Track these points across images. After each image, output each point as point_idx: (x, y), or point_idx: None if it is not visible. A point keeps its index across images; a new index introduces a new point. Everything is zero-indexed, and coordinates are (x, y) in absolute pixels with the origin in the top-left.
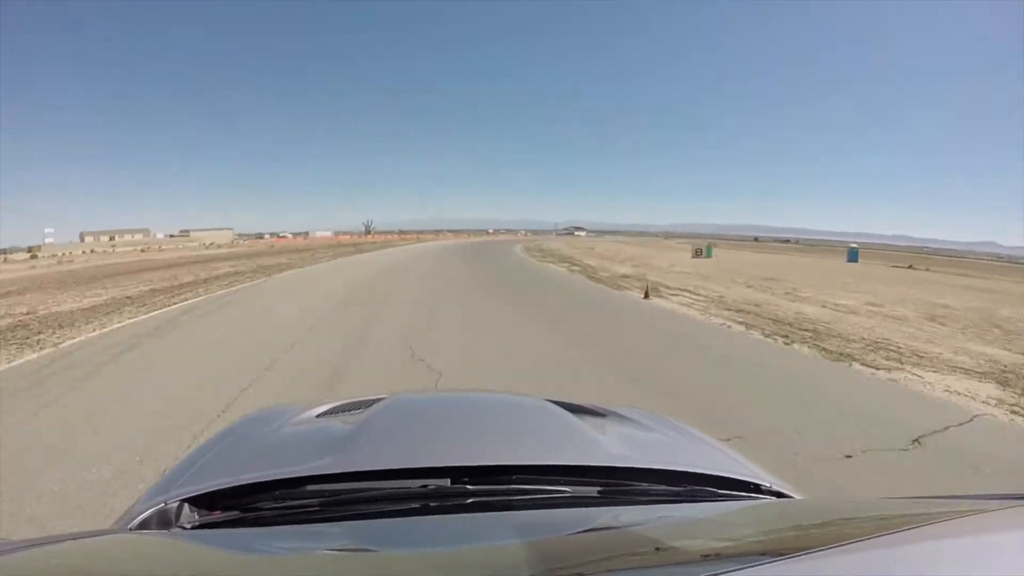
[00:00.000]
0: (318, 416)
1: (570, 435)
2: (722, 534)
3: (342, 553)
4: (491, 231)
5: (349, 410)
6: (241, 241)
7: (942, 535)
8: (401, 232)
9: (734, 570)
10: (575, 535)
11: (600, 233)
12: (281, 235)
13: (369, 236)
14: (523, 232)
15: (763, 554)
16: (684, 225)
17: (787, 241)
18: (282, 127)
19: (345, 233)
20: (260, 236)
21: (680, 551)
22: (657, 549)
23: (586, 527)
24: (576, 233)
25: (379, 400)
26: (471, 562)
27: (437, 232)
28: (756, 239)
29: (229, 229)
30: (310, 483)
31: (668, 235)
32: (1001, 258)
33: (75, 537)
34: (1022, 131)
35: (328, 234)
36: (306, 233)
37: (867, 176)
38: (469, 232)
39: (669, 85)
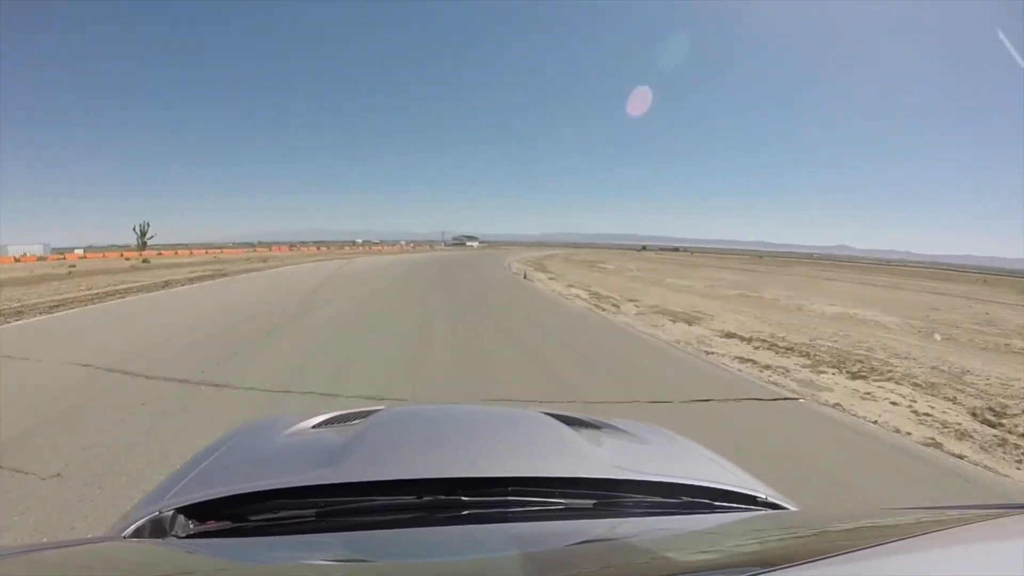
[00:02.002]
0: (314, 427)
1: (565, 447)
2: (718, 546)
3: (337, 564)
4: (360, 243)
5: (345, 421)
6: None
7: (938, 545)
8: (260, 245)
9: None
10: (570, 547)
11: (493, 243)
12: None
13: (143, 253)
14: (405, 243)
15: (759, 566)
16: (561, 234)
17: (677, 249)
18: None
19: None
20: None
21: (676, 563)
22: (652, 561)
23: (581, 539)
24: (468, 244)
25: (375, 411)
26: (466, 574)
27: (293, 245)
28: (644, 247)
29: None
30: (305, 494)
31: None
32: (846, 258)
33: (69, 544)
34: (867, 143)
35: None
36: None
37: (728, 189)
38: (330, 245)
39: (556, 94)
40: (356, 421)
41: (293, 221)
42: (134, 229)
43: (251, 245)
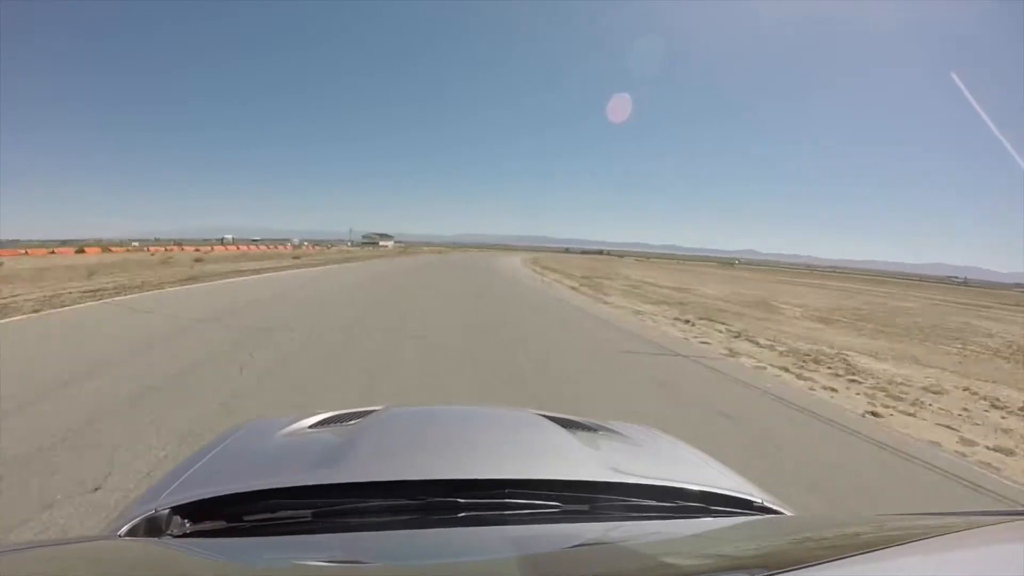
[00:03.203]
0: (310, 427)
1: (562, 450)
2: (713, 550)
3: (333, 565)
4: (229, 240)
5: (342, 421)
6: None
7: (933, 551)
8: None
9: None
10: (566, 550)
11: (411, 244)
12: None
13: None
14: (298, 242)
15: (754, 570)
16: (472, 235)
17: (601, 252)
18: None
19: None
20: None
21: (671, 567)
22: (648, 565)
23: (577, 542)
24: (381, 244)
25: (372, 412)
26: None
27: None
28: (567, 250)
29: None
30: (302, 494)
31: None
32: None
33: (64, 543)
34: (775, 154)
35: None
36: None
37: (641, 194)
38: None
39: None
40: (353, 422)
41: (184, 218)
42: None
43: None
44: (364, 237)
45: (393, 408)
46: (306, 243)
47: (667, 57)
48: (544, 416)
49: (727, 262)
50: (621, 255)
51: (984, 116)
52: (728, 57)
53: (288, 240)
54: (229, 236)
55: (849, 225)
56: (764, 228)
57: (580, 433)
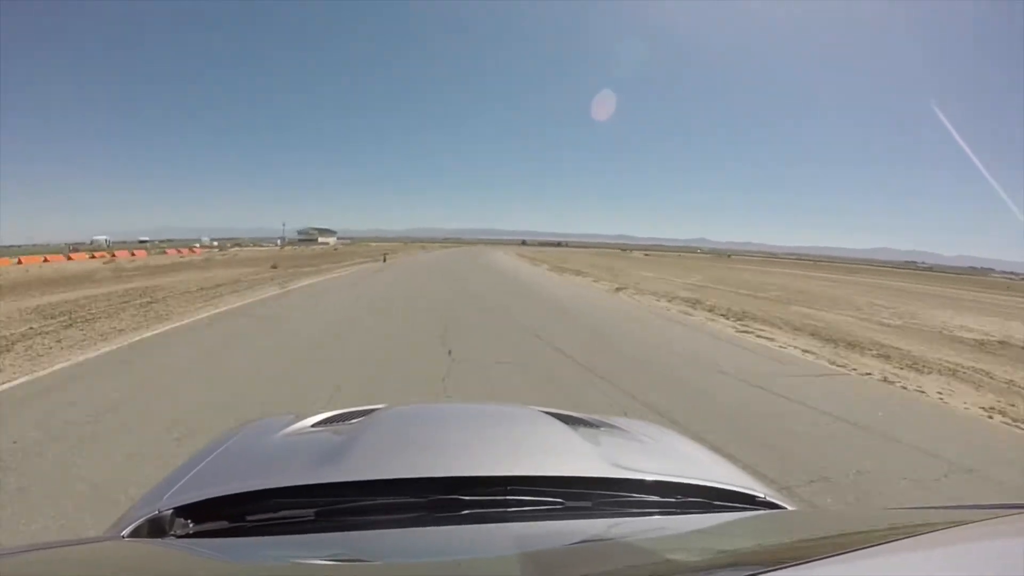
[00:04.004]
0: (313, 426)
1: (564, 446)
2: (716, 545)
3: (336, 564)
4: (103, 243)
5: (344, 420)
6: None
7: (936, 545)
8: None
9: None
10: (569, 546)
11: (358, 239)
12: None
13: None
14: (206, 242)
15: (758, 566)
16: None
17: (559, 244)
18: None
19: None
20: None
21: (674, 563)
22: (651, 561)
23: (580, 538)
24: (321, 241)
25: (374, 410)
26: (466, 573)
27: None
28: (524, 242)
29: None
30: (304, 493)
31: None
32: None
33: (68, 544)
34: (727, 143)
35: None
36: None
37: (591, 186)
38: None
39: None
40: (355, 420)
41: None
42: None
43: None
44: (300, 233)
45: (394, 407)
46: (215, 243)
47: (608, 45)
48: (546, 412)
49: (691, 251)
50: (563, 245)
51: (946, 124)
52: (676, 46)
53: (198, 240)
54: (103, 238)
55: (800, 213)
56: (717, 217)
57: (582, 429)
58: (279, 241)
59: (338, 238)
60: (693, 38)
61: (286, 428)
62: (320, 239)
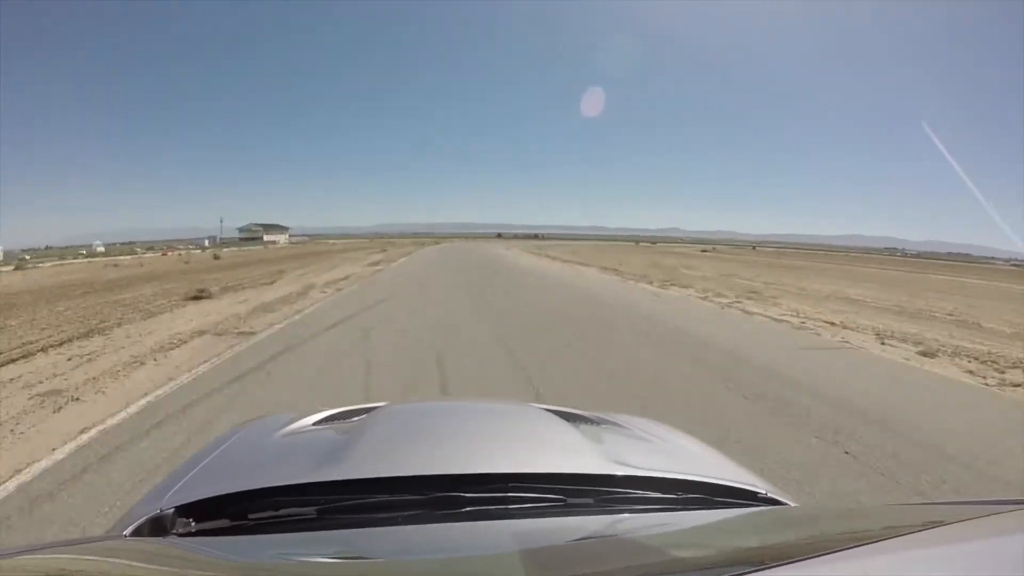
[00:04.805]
0: (314, 424)
1: (565, 443)
2: (718, 542)
3: (339, 561)
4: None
5: (345, 418)
6: None
7: (939, 541)
8: None
9: None
10: (571, 543)
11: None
12: None
13: None
14: (98, 246)
15: (759, 562)
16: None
17: (536, 236)
18: None
19: None
20: None
21: (676, 559)
22: (653, 558)
23: (582, 535)
24: (268, 239)
25: (375, 408)
26: (467, 571)
27: None
28: (499, 235)
29: None
30: (306, 492)
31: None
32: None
33: (70, 543)
34: (698, 131)
35: None
36: None
37: (563, 177)
38: None
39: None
40: (356, 418)
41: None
42: None
43: None
44: (241, 231)
45: (396, 404)
46: (100, 247)
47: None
48: (547, 409)
49: (651, 242)
50: (539, 237)
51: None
52: (648, 36)
53: (92, 244)
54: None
55: (772, 201)
56: (688, 207)
57: (583, 426)
58: (207, 242)
59: (290, 235)
60: (665, 28)
61: (287, 427)
62: (266, 237)
